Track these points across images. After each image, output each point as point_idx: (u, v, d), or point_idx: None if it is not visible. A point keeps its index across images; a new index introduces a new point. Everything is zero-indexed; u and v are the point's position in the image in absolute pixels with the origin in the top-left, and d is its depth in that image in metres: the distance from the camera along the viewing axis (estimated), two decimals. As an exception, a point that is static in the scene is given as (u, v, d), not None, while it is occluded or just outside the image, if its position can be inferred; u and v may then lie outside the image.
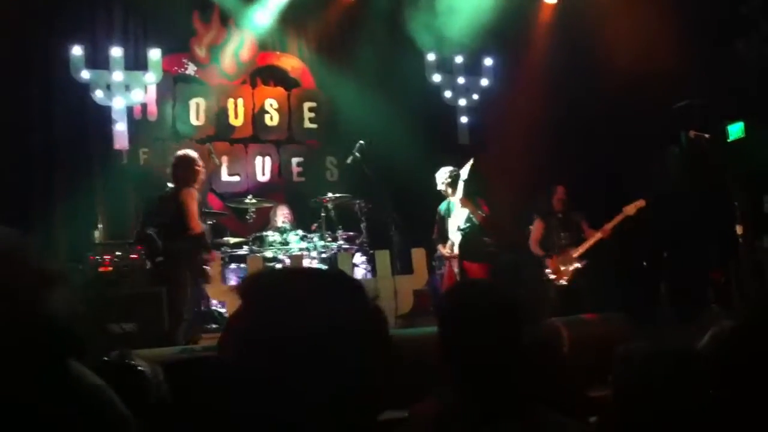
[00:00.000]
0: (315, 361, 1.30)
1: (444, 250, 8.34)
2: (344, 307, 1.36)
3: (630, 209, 8.11)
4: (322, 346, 1.30)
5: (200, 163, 7.49)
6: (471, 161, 8.09)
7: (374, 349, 1.36)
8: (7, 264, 1.49)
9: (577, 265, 8.22)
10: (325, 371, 1.30)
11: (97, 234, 8.64)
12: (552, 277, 8.31)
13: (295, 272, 1.62)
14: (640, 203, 8.09)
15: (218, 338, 1.49)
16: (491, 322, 2.43)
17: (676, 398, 2.38)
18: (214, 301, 8.67)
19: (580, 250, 8.23)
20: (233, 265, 8.86)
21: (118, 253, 7.91)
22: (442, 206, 8.49)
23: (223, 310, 8.60)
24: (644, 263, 9.60)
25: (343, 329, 1.33)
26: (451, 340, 2.46)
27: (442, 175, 8.37)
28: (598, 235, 8.21)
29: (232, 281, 8.69)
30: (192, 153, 7.69)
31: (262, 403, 1.30)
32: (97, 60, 9.55)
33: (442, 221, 8.45)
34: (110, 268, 7.69)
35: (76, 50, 9.36)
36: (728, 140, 9.53)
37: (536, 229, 8.57)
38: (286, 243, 8.92)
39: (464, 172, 8.09)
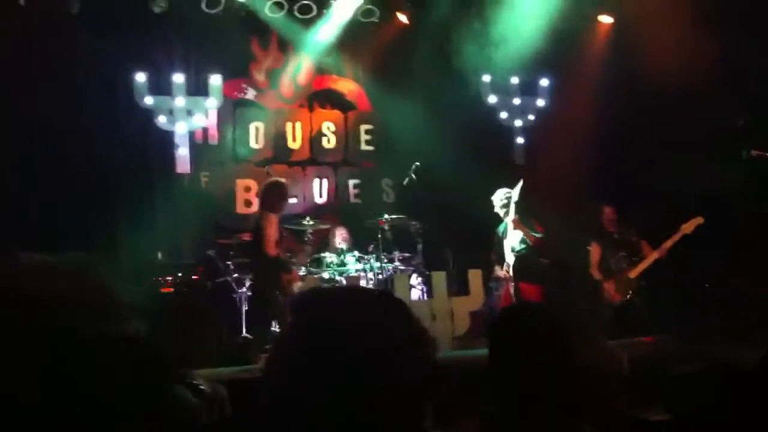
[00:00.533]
0: (357, 379, 1.32)
1: (501, 272, 8.33)
2: (389, 327, 1.38)
3: (687, 227, 7.99)
4: (366, 365, 1.33)
5: (289, 192, 7.81)
6: (521, 182, 8.08)
7: (418, 369, 1.37)
8: (90, 288, 1.54)
9: (635, 285, 8.11)
10: (366, 390, 1.32)
11: (159, 255, 8.84)
12: (608, 298, 8.21)
13: (342, 291, 1.65)
14: (698, 221, 7.96)
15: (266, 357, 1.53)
16: (541, 343, 2.45)
17: (732, 420, 2.37)
18: (273, 321, 8.77)
19: (637, 270, 8.13)
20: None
21: (179, 274, 8.08)
22: (500, 228, 8.50)
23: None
24: (706, 285, 9.42)
25: (386, 349, 1.35)
26: (500, 360, 2.49)
27: (499, 197, 8.37)
28: (654, 255, 8.10)
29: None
30: (283, 181, 7.93)
31: (301, 419, 1.32)
32: (160, 86, 9.82)
33: (500, 243, 8.45)
34: (171, 289, 7.86)
35: (140, 77, 9.65)
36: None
37: (593, 252, 8.48)
38: (343, 264, 9.01)
39: (515, 193, 8.08)
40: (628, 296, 8.13)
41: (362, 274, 9.05)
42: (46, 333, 1.40)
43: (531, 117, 11.27)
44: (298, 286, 7.82)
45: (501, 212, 8.33)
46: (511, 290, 8.14)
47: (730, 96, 9.38)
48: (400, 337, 1.39)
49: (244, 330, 8.65)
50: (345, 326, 1.38)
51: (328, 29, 10.39)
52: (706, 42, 9.32)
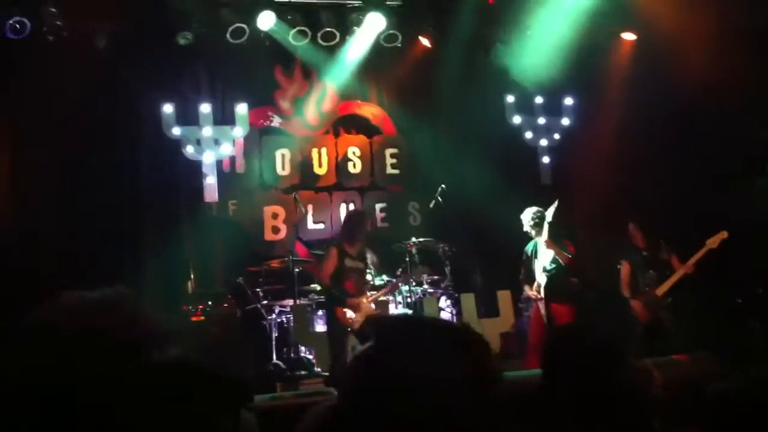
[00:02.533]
0: (424, 412, 1.34)
1: (531, 292, 8.27)
2: (462, 365, 1.41)
3: (712, 242, 7.89)
4: (435, 400, 1.35)
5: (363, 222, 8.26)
6: (556, 203, 8.04)
7: (483, 409, 1.41)
8: (127, 319, 1.64)
9: (663, 303, 8.02)
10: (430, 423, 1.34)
11: (189, 284, 8.90)
12: (637, 316, 8.13)
13: (425, 323, 1.67)
14: (723, 235, 7.86)
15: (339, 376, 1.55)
16: (594, 364, 2.50)
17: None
18: (302, 348, 8.79)
19: (665, 287, 8.04)
20: (320, 312, 8.96)
21: (209, 302, 8.13)
22: (529, 247, 8.44)
23: (310, 357, 8.70)
24: (738, 300, 9.30)
25: (455, 386, 1.38)
26: (553, 380, 2.54)
27: (528, 216, 8.32)
28: (681, 271, 8.01)
29: (319, 327, 8.80)
30: (359, 211, 8.54)
31: None
32: (187, 116, 9.94)
33: (529, 262, 8.40)
34: (202, 317, 7.91)
35: (167, 108, 9.77)
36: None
37: (624, 270, 8.39)
38: (373, 289, 9.00)
39: (549, 213, 8.04)
40: (657, 313, 8.02)
41: (391, 298, 9.05)
42: (86, 365, 1.51)
43: (556, 136, 11.24)
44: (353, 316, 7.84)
45: (532, 231, 8.26)
46: (542, 310, 8.06)
47: (756, 112, 9.30)
48: (473, 376, 1.43)
49: (274, 357, 8.68)
50: (425, 359, 1.40)
51: (351, 55, 10.46)
52: (730, 57, 9.29)
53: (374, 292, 8.17)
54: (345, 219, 8.39)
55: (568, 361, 2.58)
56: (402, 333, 1.48)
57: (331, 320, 7.93)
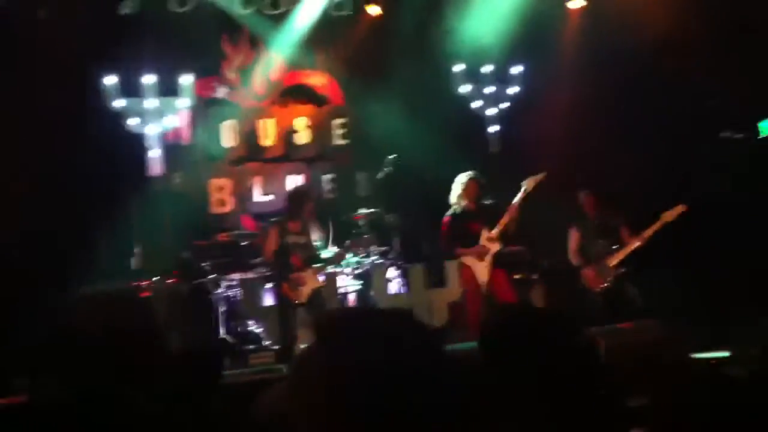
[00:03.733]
0: (382, 402, 1.35)
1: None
2: (415, 350, 1.41)
3: (669, 215, 7.90)
4: (392, 387, 1.36)
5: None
6: (541, 176, 8.00)
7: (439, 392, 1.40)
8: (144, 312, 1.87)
9: (615, 273, 8.07)
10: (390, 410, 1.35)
11: (134, 260, 8.76)
12: (587, 284, 8.17)
13: (368, 313, 1.69)
14: (680, 209, 7.87)
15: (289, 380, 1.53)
16: (524, 342, 2.53)
17: (713, 413, 2.37)
18: (250, 322, 8.73)
19: (617, 258, 8.07)
20: (268, 285, 8.88)
21: (154, 278, 8.02)
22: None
23: (259, 331, 8.64)
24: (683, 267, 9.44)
25: (411, 371, 1.38)
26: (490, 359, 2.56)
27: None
28: (635, 243, 8.03)
29: (268, 301, 8.72)
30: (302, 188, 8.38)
31: None
32: (131, 88, 9.71)
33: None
34: (149, 294, 7.80)
35: (110, 79, 9.53)
36: (758, 137, 9.39)
37: (573, 238, 8.38)
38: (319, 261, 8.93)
39: (530, 182, 7.99)
40: (608, 283, 8.07)
41: (339, 269, 9.01)
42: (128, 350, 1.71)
43: (504, 105, 11.23)
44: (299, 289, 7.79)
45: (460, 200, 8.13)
46: (480, 277, 7.97)
47: (709, 77, 9.39)
48: (428, 361, 1.43)
49: (222, 331, 8.61)
50: (377, 349, 1.40)
51: (299, 24, 10.31)
52: (679, 24, 9.36)
53: (319, 265, 8.11)
54: (287, 196, 8.32)
55: (509, 343, 2.59)
56: (350, 328, 1.47)
57: (279, 296, 7.88)
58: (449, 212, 8.10)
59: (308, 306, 7.76)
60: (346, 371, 1.37)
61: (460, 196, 8.07)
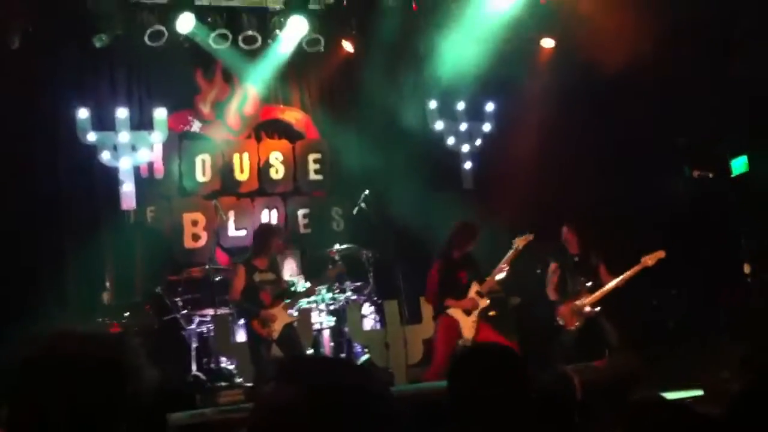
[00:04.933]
0: None
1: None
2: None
3: (649, 260, 7.91)
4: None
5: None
6: (531, 236, 8.01)
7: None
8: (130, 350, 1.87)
9: (591, 311, 8.06)
10: None
11: (105, 295, 8.65)
12: (563, 322, 8.15)
13: (326, 362, 1.87)
14: (660, 254, 7.89)
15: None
16: (498, 379, 2.56)
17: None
18: (223, 359, 8.64)
19: (593, 297, 8.06)
20: (241, 321, 8.80)
21: (126, 313, 7.92)
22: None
23: (231, 367, 8.55)
24: (654, 302, 9.51)
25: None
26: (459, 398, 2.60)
27: None
28: (613, 284, 8.03)
29: (240, 337, 8.64)
30: (267, 225, 8.49)
31: None
32: (104, 121, 9.65)
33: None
34: (119, 329, 7.70)
35: (83, 113, 9.47)
36: (732, 175, 9.53)
37: (552, 273, 8.38)
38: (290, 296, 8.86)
39: (520, 242, 7.97)
40: (583, 321, 8.06)
41: (314, 305, 8.96)
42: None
43: (478, 142, 11.31)
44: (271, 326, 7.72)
45: None
46: (464, 323, 7.92)
47: (673, 116, 9.54)
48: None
49: (194, 368, 8.51)
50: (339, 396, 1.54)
51: (273, 59, 10.34)
52: (648, 62, 9.51)
53: (290, 300, 8.07)
54: (254, 234, 8.33)
55: (469, 380, 2.66)
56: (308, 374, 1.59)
57: (250, 333, 7.81)
58: (438, 258, 8.02)
59: (279, 342, 7.72)
60: (302, 415, 1.48)
61: (452, 243, 8.02)
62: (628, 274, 7.95)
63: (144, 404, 1.78)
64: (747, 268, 7.28)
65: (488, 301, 7.96)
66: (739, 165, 9.62)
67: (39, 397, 1.66)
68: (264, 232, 8.20)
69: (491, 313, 8.37)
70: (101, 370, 1.69)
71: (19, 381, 1.72)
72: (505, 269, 7.96)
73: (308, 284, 8.84)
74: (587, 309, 8.03)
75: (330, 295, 8.95)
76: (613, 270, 8.11)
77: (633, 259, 8.00)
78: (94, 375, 1.68)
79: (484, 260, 8.19)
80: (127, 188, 9.61)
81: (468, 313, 7.82)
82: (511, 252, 7.93)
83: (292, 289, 8.80)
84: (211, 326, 8.71)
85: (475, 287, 7.89)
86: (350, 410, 1.51)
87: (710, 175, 7.65)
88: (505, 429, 2.59)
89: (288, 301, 7.97)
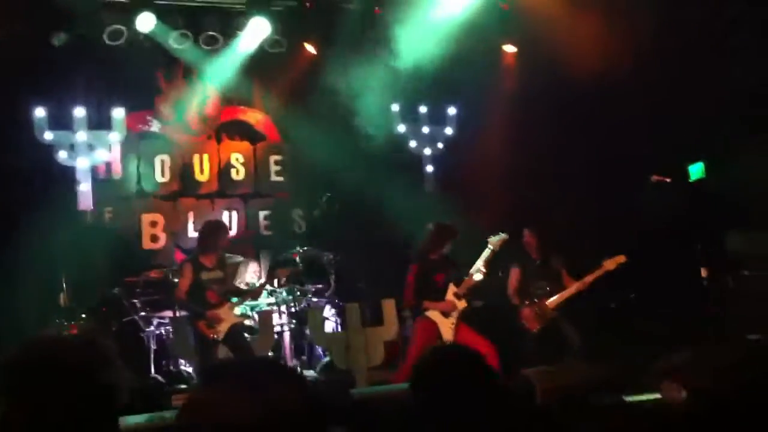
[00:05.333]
0: None
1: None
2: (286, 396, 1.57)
3: (610, 264, 7.99)
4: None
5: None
6: (504, 235, 8.00)
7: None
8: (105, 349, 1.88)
9: (552, 314, 8.13)
10: None
11: (62, 296, 8.50)
12: (525, 325, 8.21)
13: (248, 363, 1.90)
14: (621, 259, 7.98)
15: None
16: (458, 381, 2.57)
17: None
18: (182, 361, 8.55)
19: (556, 300, 8.13)
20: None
21: (83, 315, 7.80)
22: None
23: (190, 369, 8.47)
24: (612, 305, 9.62)
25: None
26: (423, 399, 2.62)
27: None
28: (575, 287, 8.11)
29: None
30: (213, 222, 8.26)
31: None
32: (61, 120, 9.50)
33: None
34: (76, 332, 7.57)
35: (40, 111, 9.32)
36: (689, 180, 9.67)
37: (513, 277, 8.41)
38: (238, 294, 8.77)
39: (496, 243, 7.96)
40: (544, 325, 8.11)
41: (275, 308, 8.91)
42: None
43: (440, 145, 11.35)
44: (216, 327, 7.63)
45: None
46: (443, 327, 7.90)
47: (634, 121, 9.66)
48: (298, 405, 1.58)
49: (152, 370, 8.41)
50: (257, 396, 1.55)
51: (235, 60, 10.27)
52: (609, 67, 9.61)
53: (237, 299, 8.01)
54: (199, 231, 8.18)
55: (431, 381, 2.67)
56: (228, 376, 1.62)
57: (196, 334, 7.70)
58: (415, 261, 7.99)
59: (226, 342, 7.64)
60: (225, 416, 1.51)
61: (428, 245, 7.98)
62: (589, 278, 8.03)
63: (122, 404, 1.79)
64: (704, 272, 7.40)
65: (466, 303, 7.96)
66: (696, 171, 9.77)
67: (26, 398, 1.70)
68: (211, 228, 8.05)
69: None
70: (80, 371, 1.73)
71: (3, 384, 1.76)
72: (483, 271, 7.96)
73: (256, 284, 8.80)
74: (549, 312, 8.09)
75: (291, 296, 8.91)
76: (575, 274, 8.18)
77: (594, 264, 8.08)
78: (73, 376, 1.71)
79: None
80: (85, 188, 9.47)
81: (446, 315, 7.83)
82: (488, 253, 7.92)
83: (242, 288, 8.74)
84: (169, 328, 8.61)
85: (452, 289, 7.89)
86: (274, 413, 1.53)
87: (667, 180, 7.76)
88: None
89: (235, 300, 7.90)
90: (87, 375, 1.71)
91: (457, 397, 2.58)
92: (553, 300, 8.12)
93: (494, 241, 7.95)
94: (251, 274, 9.37)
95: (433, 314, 7.82)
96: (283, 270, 8.65)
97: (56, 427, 1.67)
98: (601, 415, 3.31)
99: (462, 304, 7.91)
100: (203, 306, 7.61)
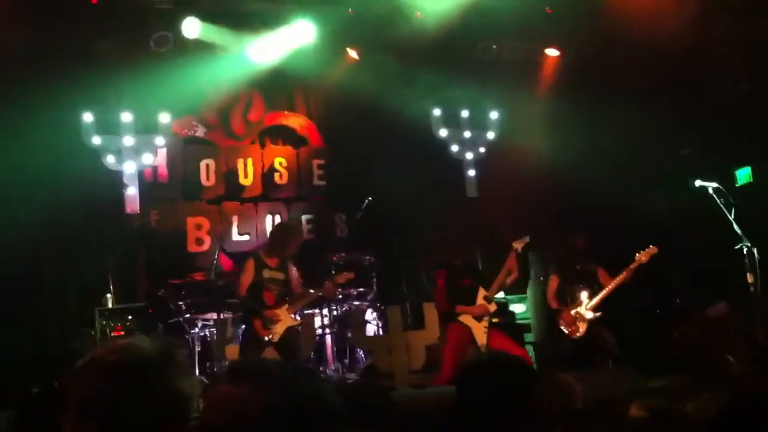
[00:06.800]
0: None
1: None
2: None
3: (643, 257, 7.98)
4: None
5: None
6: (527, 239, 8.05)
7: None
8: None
9: (591, 317, 8.08)
10: None
11: (109, 297, 8.66)
12: (566, 330, 8.16)
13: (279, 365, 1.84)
14: (653, 250, 7.96)
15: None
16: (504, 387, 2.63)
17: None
18: (226, 363, 8.63)
19: (594, 302, 8.10)
20: (244, 326, 8.81)
21: (129, 317, 7.93)
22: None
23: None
24: (657, 311, 9.50)
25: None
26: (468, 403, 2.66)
27: None
28: (612, 285, 8.08)
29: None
30: (287, 224, 8.40)
31: None
32: (108, 125, 9.67)
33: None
34: (122, 333, 7.70)
35: (87, 117, 9.50)
36: (737, 185, 9.54)
37: (552, 282, 8.41)
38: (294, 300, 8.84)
39: (518, 245, 8.01)
40: (584, 328, 8.07)
41: (317, 311, 8.96)
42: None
43: (482, 150, 11.32)
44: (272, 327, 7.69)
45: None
46: (476, 331, 7.93)
47: (676, 126, 9.56)
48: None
49: (197, 372, 8.51)
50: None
51: (280, 65, 10.34)
52: (651, 72, 9.53)
53: (294, 304, 8.05)
54: (272, 230, 8.26)
55: (477, 386, 2.71)
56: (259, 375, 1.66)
57: (247, 332, 7.75)
58: (441, 266, 8.02)
59: (280, 345, 7.64)
60: (249, 415, 1.55)
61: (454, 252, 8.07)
62: (624, 273, 8.00)
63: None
64: (750, 278, 7.27)
65: (496, 307, 7.97)
66: (743, 175, 9.65)
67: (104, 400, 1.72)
68: (284, 230, 8.13)
69: (494, 320, 8.37)
70: (159, 378, 1.76)
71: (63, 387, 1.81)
72: (513, 274, 7.97)
73: (312, 291, 8.83)
74: (589, 315, 8.05)
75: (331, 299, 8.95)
76: (613, 274, 8.15)
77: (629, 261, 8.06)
78: (152, 382, 1.74)
79: (488, 268, 8.21)
80: (131, 192, 9.64)
81: (479, 319, 7.82)
82: (511, 255, 7.93)
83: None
84: (213, 330, 8.72)
85: (482, 293, 7.89)
86: (298, 415, 1.57)
87: (713, 185, 7.65)
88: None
89: (290, 305, 7.95)
90: (164, 382, 1.75)
91: (503, 404, 2.64)
92: (592, 303, 8.08)
93: (516, 243, 7.98)
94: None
95: (466, 318, 7.83)
96: (341, 276, 8.64)
97: (130, 427, 1.71)
98: (640, 423, 3.28)
99: (493, 307, 7.92)
100: (260, 305, 7.66)
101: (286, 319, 7.76)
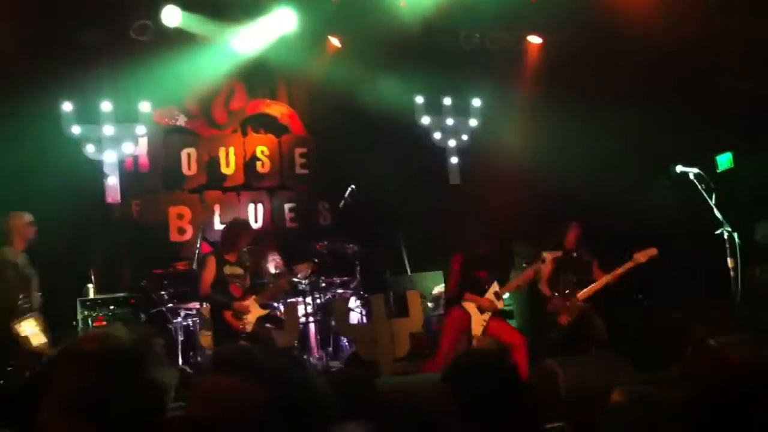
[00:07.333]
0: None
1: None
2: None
3: (641, 257, 7.90)
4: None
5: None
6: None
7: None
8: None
9: (582, 307, 8.08)
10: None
11: (90, 287, 8.60)
12: (554, 316, 8.16)
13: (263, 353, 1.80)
14: (652, 251, 7.89)
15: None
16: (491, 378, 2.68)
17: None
18: (208, 351, 8.63)
19: (586, 293, 8.08)
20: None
21: (111, 307, 7.89)
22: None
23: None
24: (639, 296, 9.55)
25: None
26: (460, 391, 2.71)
27: None
28: (604, 280, 8.05)
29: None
30: (238, 220, 8.25)
31: None
32: (88, 114, 9.59)
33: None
34: (104, 323, 7.67)
35: (67, 106, 9.42)
36: (717, 171, 9.59)
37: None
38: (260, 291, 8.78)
39: (549, 256, 7.98)
40: (573, 317, 8.06)
41: (300, 299, 8.95)
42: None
43: (465, 137, 11.32)
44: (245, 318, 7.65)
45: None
46: (473, 319, 7.91)
47: (659, 109, 9.59)
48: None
49: (180, 361, 8.50)
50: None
51: (260, 53, 10.29)
52: (633, 56, 9.55)
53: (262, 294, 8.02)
54: (224, 228, 8.22)
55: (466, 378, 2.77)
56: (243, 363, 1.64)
57: (219, 326, 7.69)
58: (462, 252, 7.97)
59: (253, 336, 7.61)
60: (247, 404, 1.54)
61: (477, 240, 7.97)
62: (619, 270, 7.96)
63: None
64: (731, 262, 7.29)
65: (503, 305, 7.94)
66: (724, 161, 9.70)
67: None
68: (235, 227, 8.09)
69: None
70: (135, 367, 1.75)
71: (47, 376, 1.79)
72: (527, 279, 8.00)
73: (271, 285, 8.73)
74: (579, 305, 8.04)
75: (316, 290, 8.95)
76: (606, 268, 8.13)
77: (625, 257, 8.02)
78: (128, 371, 1.74)
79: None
80: (112, 181, 9.58)
81: (481, 311, 7.80)
82: (538, 263, 7.91)
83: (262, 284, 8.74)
84: (197, 319, 8.69)
85: (494, 288, 7.85)
86: (291, 406, 1.57)
87: (694, 170, 7.65)
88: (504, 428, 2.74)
89: (258, 295, 7.91)
90: (141, 371, 1.74)
91: (486, 392, 2.70)
92: (583, 292, 8.07)
93: (547, 254, 7.92)
94: (273, 266, 9.38)
95: (469, 306, 7.79)
96: (302, 265, 8.61)
97: (110, 417, 1.69)
98: (621, 409, 3.30)
99: (500, 305, 7.89)
100: (229, 298, 7.63)
101: (255, 309, 7.73)
